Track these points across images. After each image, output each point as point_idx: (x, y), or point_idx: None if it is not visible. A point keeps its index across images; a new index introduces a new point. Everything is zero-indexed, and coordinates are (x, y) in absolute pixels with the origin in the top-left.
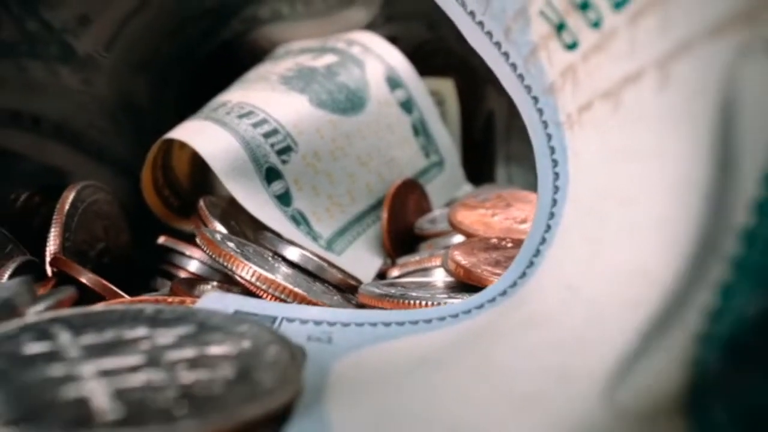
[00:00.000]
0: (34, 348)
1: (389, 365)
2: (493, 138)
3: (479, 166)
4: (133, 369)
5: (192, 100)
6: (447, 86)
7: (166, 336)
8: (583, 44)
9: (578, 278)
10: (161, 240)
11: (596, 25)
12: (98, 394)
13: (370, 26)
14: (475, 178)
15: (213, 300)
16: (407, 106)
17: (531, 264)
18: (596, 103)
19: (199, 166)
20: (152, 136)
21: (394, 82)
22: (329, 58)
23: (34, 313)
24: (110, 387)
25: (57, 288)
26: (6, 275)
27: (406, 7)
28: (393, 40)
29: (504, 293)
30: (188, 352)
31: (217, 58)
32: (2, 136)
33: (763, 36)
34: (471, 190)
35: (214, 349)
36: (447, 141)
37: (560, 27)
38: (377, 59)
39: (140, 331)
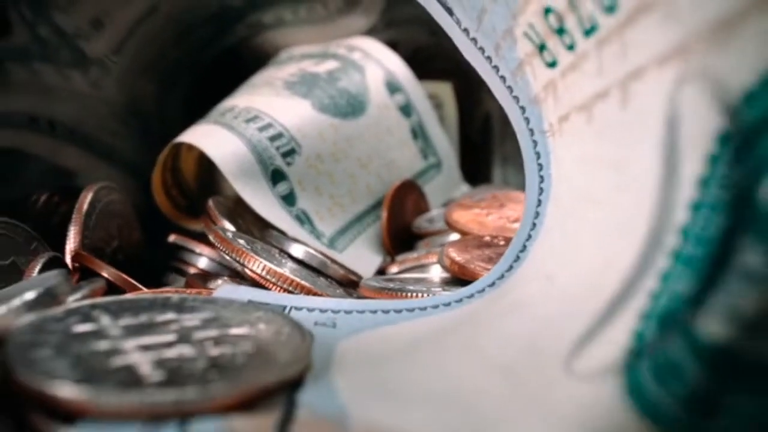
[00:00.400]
0: (81, 328)
1: (386, 345)
2: (489, 140)
3: (476, 167)
4: (168, 345)
5: (197, 104)
6: (445, 89)
7: (191, 319)
8: (561, 63)
9: (555, 269)
10: (172, 238)
11: (571, 48)
12: (142, 363)
13: (371, 31)
14: (473, 178)
15: (228, 291)
16: (406, 109)
17: (517, 258)
18: (573, 114)
19: (205, 167)
20: (159, 138)
21: (393, 87)
22: (331, 64)
23: (72, 301)
24: (150, 358)
25: (89, 280)
26: (36, 270)
27: (406, 13)
28: (393, 44)
29: (492, 284)
30: (212, 332)
31: (222, 62)
32: (22, 140)
33: (695, 67)
34: (468, 191)
35: (235, 330)
36: (444, 144)
37: (542, 47)
38: (377, 64)
39: (169, 315)
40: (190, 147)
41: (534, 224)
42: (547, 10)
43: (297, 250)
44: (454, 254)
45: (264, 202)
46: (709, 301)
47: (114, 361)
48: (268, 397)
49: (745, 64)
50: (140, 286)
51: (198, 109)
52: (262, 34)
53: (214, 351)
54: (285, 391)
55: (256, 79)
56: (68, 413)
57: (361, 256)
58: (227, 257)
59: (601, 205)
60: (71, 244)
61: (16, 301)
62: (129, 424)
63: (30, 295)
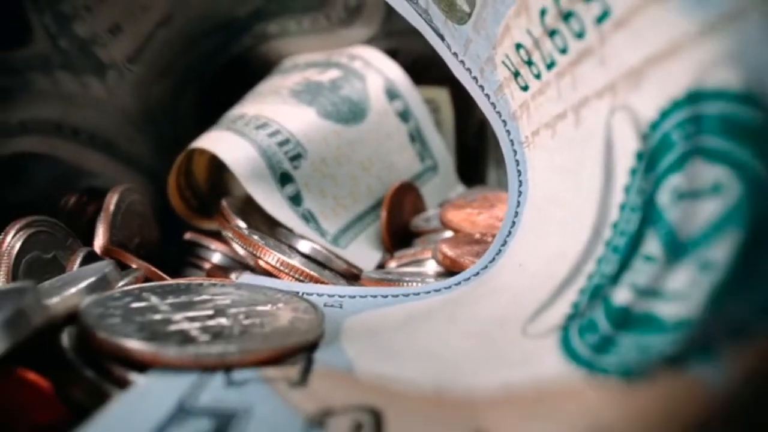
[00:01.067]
0: (136, 305)
1: (384, 320)
2: (485, 144)
3: (472, 169)
4: (208, 317)
5: (207, 109)
6: (442, 95)
7: (223, 299)
8: (532, 88)
9: (526, 259)
10: (188, 236)
11: (538, 77)
12: (191, 329)
13: (372, 41)
14: (469, 179)
15: (249, 279)
16: (404, 115)
17: (499, 252)
18: (542, 130)
19: (215, 170)
20: (171, 143)
21: (392, 94)
22: (333, 73)
23: (120, 286)
24: (196, 325)
25: (129, 270)
26: (77, 263)
27: (405, 23)
28: (393, 52)
29: (477, 274)
30: (242, 309)
31: (229, 69)
32: (50, 145)
33: (621, 101)
34: (463, 191)
35: (260, 307)
36: (441, 147)
37: (516, 74)
38: (377, 73)
39: (204, 296)
40: (202, 151)
41: (514, 223)
42: (518, 46)
43: (304, 246)
44: (447, 250)
45: (273, 203)
46: (621, 278)
47: (169, 327)
48: (292, 355)
49: (650, 101)
50: (166, 276)
51: (207, 114)
52: (268, 43)
53: (246, 321)
54: (304, 352)
55: (263, 88)
56: (140, 364)
57: (363, 252)
58: (242, 251)
59: (562, 205)
60: (100, 240)
61: (81, 285)
62: (187, 373)
63: (90, 281)
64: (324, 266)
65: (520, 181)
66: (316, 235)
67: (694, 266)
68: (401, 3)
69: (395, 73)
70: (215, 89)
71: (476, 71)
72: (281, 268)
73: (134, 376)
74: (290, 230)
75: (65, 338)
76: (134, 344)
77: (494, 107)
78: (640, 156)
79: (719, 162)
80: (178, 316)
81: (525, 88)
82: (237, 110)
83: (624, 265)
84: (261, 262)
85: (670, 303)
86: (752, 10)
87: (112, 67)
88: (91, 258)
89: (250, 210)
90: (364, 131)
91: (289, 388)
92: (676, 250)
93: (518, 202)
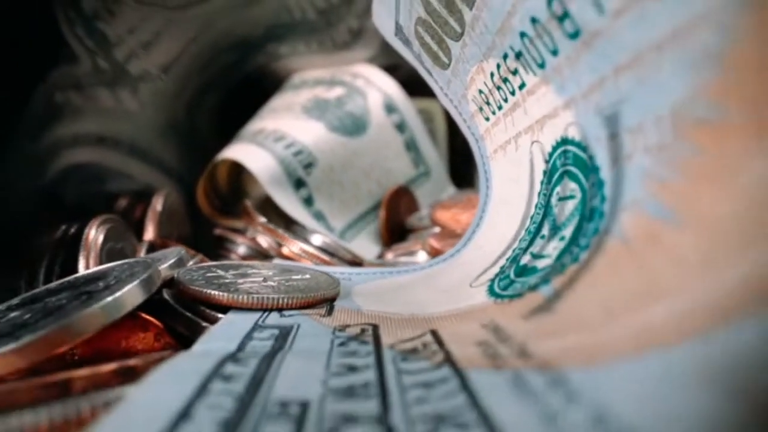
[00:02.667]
0: (209, 274)
1: (381, 286)
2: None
3: (463, 172)
4: (261, 281)
5: (224, 119)
6: (436, 106)
7: (267, 272)
8: (491, 120)
9: (484, 242)
10: (217, 231)
11: (493, 113)
12: (252, 286)
13: (372, 59)
14: (461, 182)
15: (279, 262)
16: (401, 127)
17: (469, 239)
18: (498, 150)
19: (234, 175)
20: (192, 149)
21: (390, 108)
22: (338, 90)
23: (191, 264)
24: (255, 285)
25: (194, 253)
26: (143, 251)
27: None
28: (392, 68)
29: (452, 255)
30: (283, 277)
31: (244, 84)
32: (98, 156)
33: (536, 136)
34: (453, 193)
35: (294, 276)
36: (433, 155)
37: (480, 109)
38: (376, 90)
39: (254, 271)
40: (224, 159)
41: (481, 217)
42: (480, 91)
43: (316, 240)
44: (434, 243)
45: (290, 204)
46: (527, 249)
47: (237, 286)
48: (319, 304)
49: (548, 140)
50: (211, 261)
51: (225, 124)
52: (279, 61)
53: (287, 284)
54: (328, 302)
55: (277, 103)
56: (223, 307)
57: (364, 245)
58: (265, 243)
59: (508, 204)
60: (151, 234)
61: (169, 262)
62: (254, 312)
63: (172, 259)
64: (333, 256)
65: (488, 187)
66: (326, 231)
67: (557, 239)
68: (399, 45)
69: (393, 89)
70: (232, 101)
71: (456, 102)
72: (302, 254)
73: (219, 316)
74: (304, 227)
75: (166, 295)
76: (219, 294)
77: (469, 129)
78: (545, 173)
79: (572, 179)
80: (240, 281)
81: (487, 119)
82: (257, 125)
83: (531, 242)
84: (284, 250)
85: (543, 260)
86: (585, 98)
87: (144, 81)
88: (151, 248)
89: (268, 209)
90: (365, 142)
91: (320, 317)
92: (555, 231)
93: (485, 202)
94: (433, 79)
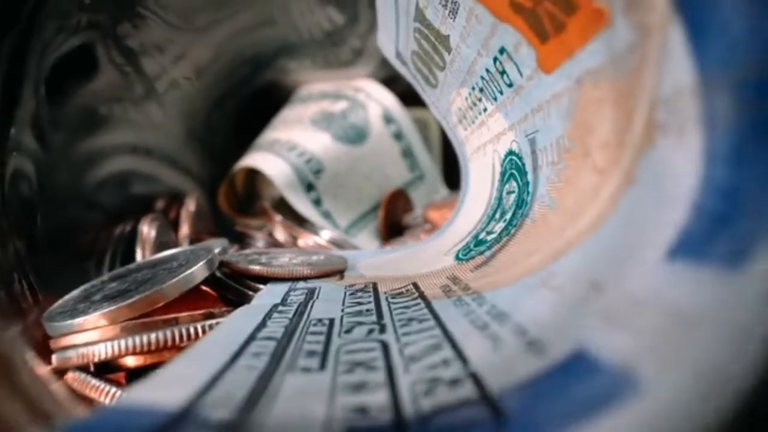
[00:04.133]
0: (249, 258)
1: (380, 260)
2: None
3: (455, 175)
4: (288, 261)
5: (238, 128)
6: (430, 116)
7: (290, 255)
8: (468, 130)
9: (459, 225)
10: (238, 228)
11: (470, 125)
12: (282, 263)
13: (372, 72)
14: (454, 184)
15: (298, 248)
16: (398, 136)
17: (449, 224)
18: (473, 154)
19: (250, 179)
20: (210, 155)
21: (388, 119)
22: (342, 104)
23: (232, 251)
24: (284, 264)
25: (231, 244)
26: (186, 244)
27: None
28: (392, 80)
29: (436, 236)
30: (302, 258)
31: (256, 95)
32: (133, 164)
33: (495, 147)
34: (446, 194)
35: (313, 257)
36: (427, 160)
37: (461, 121)
38: (376, 103)
39: (280, 254)
40: (243, 166)
41: (461, 206)
42: (459, 108)
43: (325, 235)
44: (425, 237)
45: (302, 204)
46: (484, 228)
47: (271, 263)
48: (332, 275)
49: (502, 150)
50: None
51: (239, 132)
52: (287, 75)
53: (309, 261)
54: (339, 273)
55: (287, 115)
56: (263, 278)
57: (366, 241)
58: (282, 238)
59: (478, 197)
60: (186, 231)
61: (215, 251)
62: (286, 281)
63: (219, 248)
64: (340, 248)
65: (467, 183)
66: (333, 228)
67: (502, 221)
68: (398, 64)
69: (391, 102)
70: (246, 112)
71: (443, 113)
72: (314, 245)
73: (260, 286)
74: (314, 224)
75: (218, 273)
76: (261, 269)
77: (455, 136)
78: (500, 174)
79: (514, 180)
80: (273, 261)
81: (465, 129)
82: (271, 135)
83: (487, 224)
84: (300, 243)
85: (491, 235)
86: (519, 125)
87: (169, 95)
88: (191, 242)
89: (282, 209)
90: (366, 150)
91: (335, 281)
92: (502, 215)
93: (464, 194)
94: (426, 94)
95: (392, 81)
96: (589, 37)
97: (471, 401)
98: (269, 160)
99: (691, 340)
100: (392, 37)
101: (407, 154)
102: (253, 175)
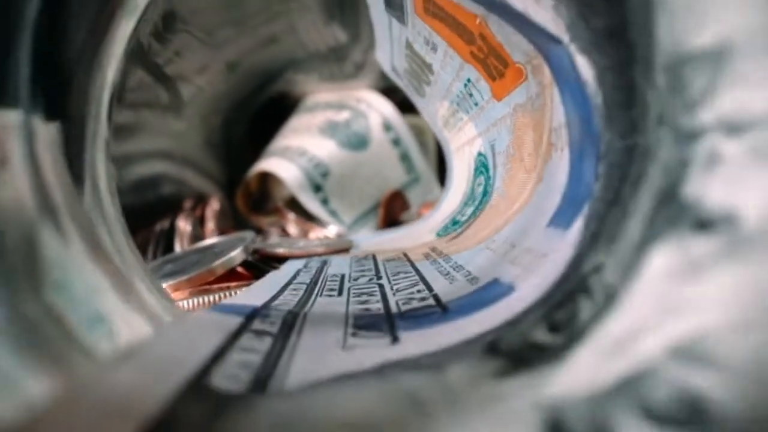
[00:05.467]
0: (272, 244)
1: (378, 241)
2: None
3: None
4: (304, 244)
5: (250, 135)
6: (425, 123)
7: (304, 242)
8: (451, 132)
9: (442, 210)
10: (254, 224)
11: (453, 128)
12: (302, 247)
13: (373, 84)
14: None
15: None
16: (396, 142)
17: (435, 210)
18: (456, 153)
19: (263, 181)
20: (226, 159)
21: (387, 127)
22: (346, 114)
23: (258, 241)
24: (300, 246)
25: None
26: (216, 237)
27: None
28: (389, 91)
29: (424, 220)
30: (316, 242)
31: (267, 105)
32: (162, 167)
33: (471, 147)
34: (440, 193)
35: (324, 241)
36: (422, 164)
37: (445, 125)
38: (376, 112)
39: (294, 240)
40: (258, 169)
41: (446, 195)
42: (443, 116)
43: (332, 230)
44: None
45: (311, 203)
46: (460, 211)
47: (292, 246)
48: (341, 252)
49: (475, 150)
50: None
51: (252, 138)
52: (295, 86)
53: (322, 242)
54: (346, 250)
55: (297, 124)
56: (283, 258)
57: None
58: (294, 233)
59: (458, 188)
60: (211, 226)
61: (246, 242)
62: (302, 259)
63: (249, 239)
64: None
65: (451, 176)
66: (338, 224)
67: (472, 206)
68: (394, 76)
69: (390, 111)
70: (256, 120)
71: (432, 118)
72: (325, 238)
73: (282, 265)
74: (321, 221)
75: (250, 258)
76: (284, 251)
77: (442, 136)
78: (474, 169)
79: (482, 175)
80: (293, 245)
81: (449, 132)
82: (283, 142)
83: (462, 208)
84: (311, 236)
85: (464, 216)
86: (485, 134)
87: (190, 104)
88: (220, 236)
89: (291, 208)
90: (367, 155)
91: (342, 256)
92: (473, 201)
93: (449, 186)
94: (417, 102)
95: (391, 92)
96: (517, 84)
97: (430, 305)
98: (283, 164)
99: (546, 266)
100: (387, 56)
101: (404, 158)
102: (265, 177)
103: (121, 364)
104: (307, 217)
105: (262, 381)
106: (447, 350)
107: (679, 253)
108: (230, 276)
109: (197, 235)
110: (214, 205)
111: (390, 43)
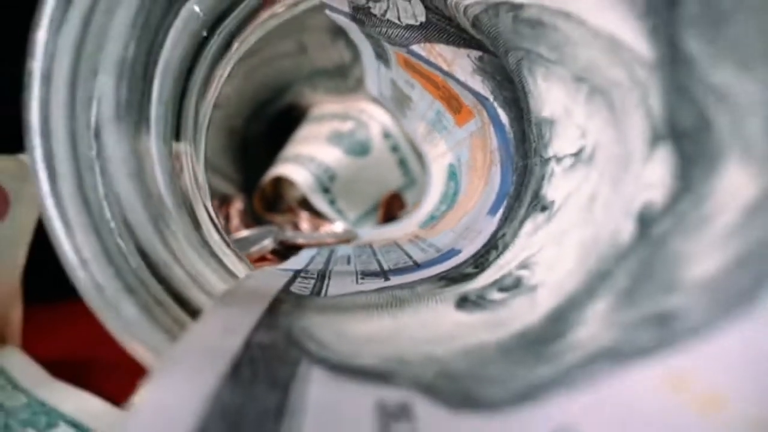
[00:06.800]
0: (295, 236)
1: (378, 233)
2: None
3: None
4: (317, 235)
5: (263, 142)
6: None
7: (317, 233)
8: (429, 147)
9: (424, 209)
10: (268, 220)
11: (428, 145)
12: (317, 237)
13: (374, 97)
14: None
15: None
16: (394, 149)
17: (420, 208)
18: (433, 162)
19: (275, 183)
20: (242, 164)
21: (387, 135)
22: (350, 124)
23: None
24: (314, 236)
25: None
26: (248, 232)
27: None
28: None
29: (409, 217)
30: (327, 235)
31: (277, 114)
32: None
33: (451, 155)
34: None
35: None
36: (418, 168)
37: (424, 139)
38: (377, 122)
39: (308, 234)
40: (274, 174)
41: (426, 197)
42: (422, 133)
43: (339, 226)
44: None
45: (321, 203)
46: (437, 209)
47: (308, 239)
48: (346, 241)
49: (448, 160)
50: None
51: (264, 145)
52: (303, 98)
53: (332, 233)
54: (349, 241)
55: (306, 133)
56: (301, 247)
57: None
58: (306, 228)
59: (436, 191)
60: (235, 223)
61: (274, 233)
62: (315, 247)
63: (275, 231)
64: None
65: (431, 182)
66: (344, 221)
67: (445, 204)
68: (382, 99)
69: (388, 121)
70: (268, 128)
71: (413, 133)
72: (332, 233)
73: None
74: (329, 219)
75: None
76: (303, 240)
77: (422, 148)
78: (447, 176)
79: (453, 180)
80: (309, 237)
81: (428, 145)
82: (294, 150)
83: (438, 206)
84: (321, 230)
85: (440, 211)
86: (454, 149)
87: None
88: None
89: (304, 208)
90: (369, 161)
91: (346, 245)
92: (446, 201)
93: (429, 189)
94: (401, 119)
95: None
96: (469, 119)
97: (409, 264)
98: (295, 169)
99: (479, 238)
100: (375, 85)
101: (402, 163)
102: (278, 180)
103: (243, 281)
104: (316, 215)
105: (315, 294)
106: (416, 281)
107: (533, 222)
108: (259, 260)
109: (226, 229)
110: (237, 205)
111: (378, 78)
